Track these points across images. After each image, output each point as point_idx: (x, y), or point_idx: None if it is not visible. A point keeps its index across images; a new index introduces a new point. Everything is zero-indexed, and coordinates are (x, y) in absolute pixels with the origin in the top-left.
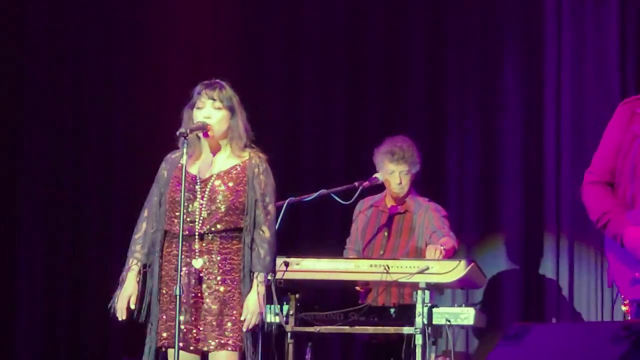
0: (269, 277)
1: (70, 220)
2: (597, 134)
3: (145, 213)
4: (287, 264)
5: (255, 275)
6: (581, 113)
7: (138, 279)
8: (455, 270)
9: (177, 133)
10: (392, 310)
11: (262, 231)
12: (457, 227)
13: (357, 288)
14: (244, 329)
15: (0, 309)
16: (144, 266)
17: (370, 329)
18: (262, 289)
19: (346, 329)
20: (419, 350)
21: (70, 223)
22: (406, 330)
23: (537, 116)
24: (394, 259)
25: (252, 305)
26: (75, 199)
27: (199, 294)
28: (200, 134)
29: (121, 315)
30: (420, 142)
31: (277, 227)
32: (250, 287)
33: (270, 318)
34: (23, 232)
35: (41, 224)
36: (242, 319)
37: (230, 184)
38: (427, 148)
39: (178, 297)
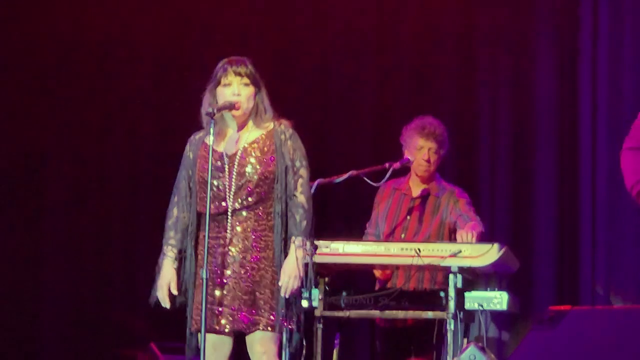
0: (308, 247)
1: (94, 216)
2: None
3: (175, 198)
4: (315, 247)
5: (292, 240)
6: (618, 108)
7: (175, 265)
8: (488, 254)
9: (205, 113)
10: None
11: (296, 196)
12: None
13: (377, 274)
14: (283, 294)
15: (26, 297)
16: (180, 252)
17: (401, 314)
18: (301, 254)
19: (376, 313)
20: (450, 336)
21: (94, 219)
22: (437, 315)
23: (571, 118)
24: (426, 242)
25: (290, 269)
26: (100, 193)
27: (232, 274)
28: (228, 112)
29: (165, 303)
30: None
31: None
32: (287, 255)
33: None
34: (47, 225)
35: (65, 222)
36: (279, 284)
37: (258, 154)
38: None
39: (204, 280)
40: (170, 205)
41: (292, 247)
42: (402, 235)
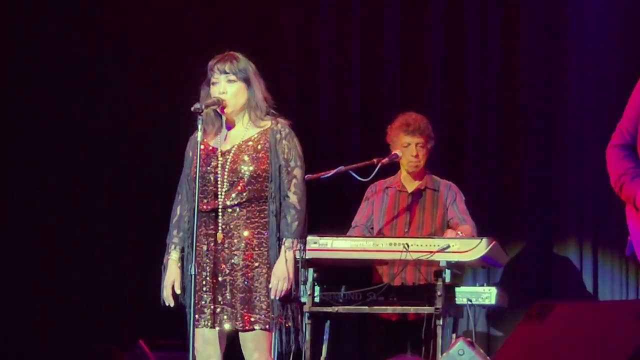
0: (298, 247)
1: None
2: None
3: (178, 197)
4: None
5: (283, 242)
6: (606, 102)
7: (179, 264)
8: (476, 249)
9: (192, 109)
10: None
11: (288, 197)
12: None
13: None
14: (272, 296)
15: (16, 295)
16: (182, 250)
17: (389, 309)
18: (291, 255)
19: (365, 308)
20: (439, 331)
21: (83, 218)
22: (426, 310)
23: (559, 113)
24: (414, 237)
25: (280, 271)
26: (90, 192)
27: (227, 272)
28: (218, 109)
29: (169, 302)
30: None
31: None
32: (279, 254)
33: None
34: (37, 223)
35: (54, 221)
36: (270, 286)
37: (252, 152)
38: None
39: (193, 277)
40: (174, 204)
41: (283, 249)
42: (406, 230)
